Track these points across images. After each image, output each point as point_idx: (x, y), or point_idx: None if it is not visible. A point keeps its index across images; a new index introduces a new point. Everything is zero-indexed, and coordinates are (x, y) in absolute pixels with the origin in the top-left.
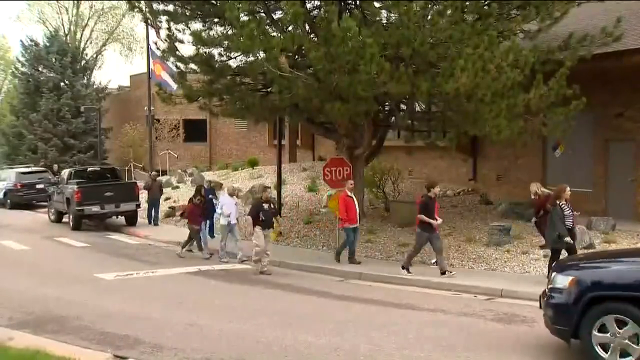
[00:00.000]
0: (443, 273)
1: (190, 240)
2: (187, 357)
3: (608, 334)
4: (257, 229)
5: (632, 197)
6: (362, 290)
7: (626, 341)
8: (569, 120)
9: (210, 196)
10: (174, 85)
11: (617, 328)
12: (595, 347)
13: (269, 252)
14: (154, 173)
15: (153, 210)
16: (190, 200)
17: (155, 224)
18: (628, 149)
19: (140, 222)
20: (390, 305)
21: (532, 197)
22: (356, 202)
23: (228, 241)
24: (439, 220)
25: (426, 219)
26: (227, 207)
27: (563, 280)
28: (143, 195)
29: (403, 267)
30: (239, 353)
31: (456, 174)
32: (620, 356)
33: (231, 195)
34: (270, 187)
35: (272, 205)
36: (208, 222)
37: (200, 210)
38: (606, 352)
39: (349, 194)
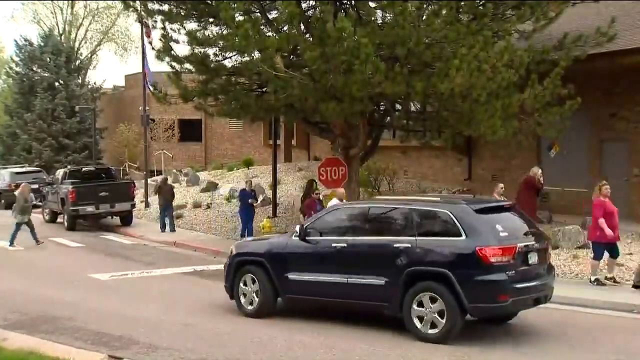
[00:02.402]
0: None
1: None
2: (182, 357)
3: (424, 309)
4: None
5: (627, 197)
6: None
7: (435, 315)
8: (563, 120)
9: (250, 200)
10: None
11: (430, 304)
12: (414, 319)
13: None
14: (164, 176)
15: (166, 217)
16: (307, 195)
17: (172, 230)
18: (622, 148)
19: (136, 222)
20: None
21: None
22: None
23: None
24: None
25: None
26: None
27: None
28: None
29: None
30: (233, 353)
31: (451, 173)
32: (430, 327)
33: (341, 200)
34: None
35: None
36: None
37: (320, 205)
38: (421, 323)
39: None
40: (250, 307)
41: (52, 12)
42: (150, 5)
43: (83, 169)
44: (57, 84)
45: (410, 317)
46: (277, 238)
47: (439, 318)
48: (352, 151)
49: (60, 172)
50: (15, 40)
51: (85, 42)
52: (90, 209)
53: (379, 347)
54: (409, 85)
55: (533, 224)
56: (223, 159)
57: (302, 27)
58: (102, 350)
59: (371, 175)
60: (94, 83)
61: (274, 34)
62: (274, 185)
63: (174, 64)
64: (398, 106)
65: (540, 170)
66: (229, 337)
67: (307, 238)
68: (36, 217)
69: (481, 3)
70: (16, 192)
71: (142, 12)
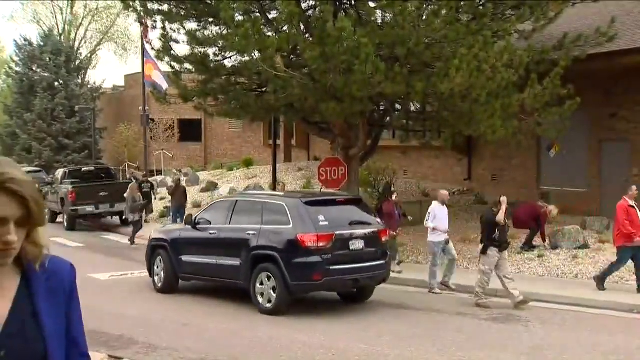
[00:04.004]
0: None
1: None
2: (181, 357)
3: (263, 286)
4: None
5: None
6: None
7: (270, 291)
8: (563, 121)
9: None
10: (165, 85)
11: (267, 282)
12: (257, 295)
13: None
14: (175, 177)
15: (178, 218)
16: (383, 198)
17: None
18: (622, 149)
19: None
20: (384, 305)
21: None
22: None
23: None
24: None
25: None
26: (441, 219)
27: None
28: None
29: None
30: (233, 353)
31: (451, 173)
32: (267, 302)
33: (443, 203)
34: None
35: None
36: None
37: (399, 208)
38: (262, 298)
39: (630, 202)
40: (159, 285)
41: (51, 12)
42: (150, 5)
43: (83, 169)
44: (56, 83)
45: (255, 292)
46: (180, 226)
47: (272, 294)
48: (352, 151)
49: (60, 172)
50: (15, 40)
51: (85, 42)
52: (89, 209)
53: (378, 347)
54: (409, 85)
55: (369, 216)
56: (223, 159)
57: (302, 27)
58: (101, 350)
59: (371, 176)
60: (94, 83)
61: (274, 34)
62: (274, 185)
63: (173, 64)
64: (398, 106)
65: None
66: (229, 337)
67: (197, 227)
68: None
69: (481, 3)
70: (125, 194)
71: (142, 12)
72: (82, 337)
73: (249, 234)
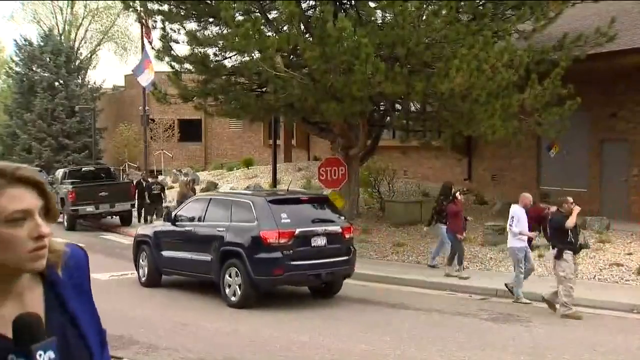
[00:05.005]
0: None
1: (454, 252)
2: (181, 357)
3: (231, 280)
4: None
5: (626, 197)
6: (356, 290)
7: (237, 286)
8: (563, 121)
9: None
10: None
11: (235, 277)
12: (226, 289)
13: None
14: (184, 178)
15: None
16: (445, 199)
17: None
18: (622, 149)
19: (136, 222)
20: (385, 305)
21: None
22: None
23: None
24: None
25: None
26: (523, 223)
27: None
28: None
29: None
30: (232, 353)
31: (451, 173)
32: (234, 295)
33: (525, 206)
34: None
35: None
36: None
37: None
38: (230, 292)
39: None
40: (144, 279)
41: (52, 12)
42: (150, 5)
43: (83, 169)
44: (56, 83)
45: (224, 287)
46: (162, 222)
47: (238, 288)
48: (352, 151)
49: (60, 172)
50: (15, 40)
51: (85, 42)
52: (90, 209)
53: (378, 347)
54: (409, 85)
55: (333, 214)
56: (223, 159)
57: (302, 27)
58: None
59: (371, 175)
60: (94, 83)
61: (274, 34)
62: (274, 185)
63: (173, 64)
64: (398, 106)
65: None
66: (228, 337)
67: (176, 223)
68: None
69: (481, 3)
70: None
71: (142, 12)
72: (97, 319)
73: (219, 231)
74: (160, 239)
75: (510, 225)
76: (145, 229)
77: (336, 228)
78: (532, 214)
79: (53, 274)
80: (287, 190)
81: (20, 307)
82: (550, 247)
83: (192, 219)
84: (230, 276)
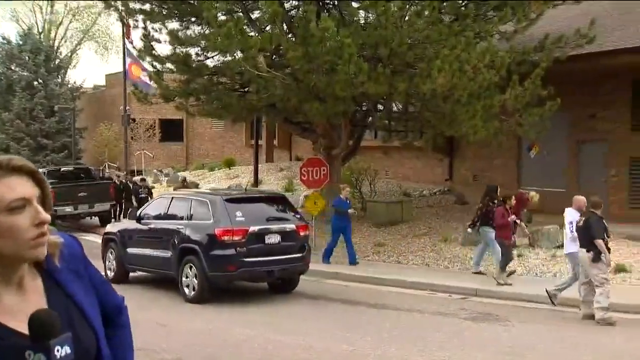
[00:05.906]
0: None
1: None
2: (158, 358)
3: (188, 278)
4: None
5: (606, 198)
6: (337, 290)
7: (194, 281)
8: (543, 121)
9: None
10: (152, 90)
11: (191, 273)
12: (184, 285)
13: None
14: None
15: None
16: (490, 202)
17: None
18: (601, 149)
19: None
20: (366, 305)
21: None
22: None
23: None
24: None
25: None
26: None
27: None
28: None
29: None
30: (209, 353)
31: (432, 174)
32: (192, 291)
33: (580, 210)
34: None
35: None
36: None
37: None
38: (188, 288)
39: None
40: (111, 275)
41: (31, 10)
42: (131, 5)
43: (62, 169)
44: (36, 83)
45: (181, 283)
46: (129, 221)
47: (196, 284)
48: (334, 151)
49: None
50: None
51: (65, 41)
52: (68, 209)
53: (359, 347)
54: (391, 85)
55: (289, 213)
56: (204, 159)
57: (285, 27)
58: None
59: (353, 175)
60: (74, 82)
61: (257, 34)
62: (256, 185)
63: (155, 63)
64: (380, 106)
65: None
66: (205, 337)
67: (141, 221)
68: None
69: (463, 4)
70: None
71: (123, 12)
72: (111, 291)
73: (178, 228)
74: (126, 236)
75: (571, 231)
76: (113, 227)
77: (291, 226)
78: (518, 202)
79: (50, 262)
80: (245, 190)
81: (22, 295)
82: (584, 250)
83: (156, 217)
84: (188, 273)
